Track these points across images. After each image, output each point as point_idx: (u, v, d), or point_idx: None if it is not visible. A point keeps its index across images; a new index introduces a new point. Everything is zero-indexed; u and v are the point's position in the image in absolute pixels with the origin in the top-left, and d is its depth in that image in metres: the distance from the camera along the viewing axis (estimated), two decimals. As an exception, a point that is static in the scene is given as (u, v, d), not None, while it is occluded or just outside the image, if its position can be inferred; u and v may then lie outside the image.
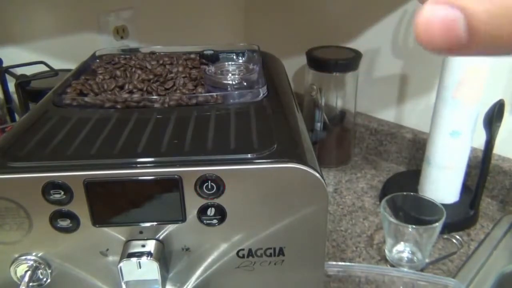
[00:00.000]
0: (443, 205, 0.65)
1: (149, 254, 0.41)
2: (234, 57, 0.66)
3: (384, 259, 0.67)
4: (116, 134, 0.44)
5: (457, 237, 0.70)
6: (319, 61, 0.87)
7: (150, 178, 0.39)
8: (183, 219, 0.41)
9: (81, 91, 0.53)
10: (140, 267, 0.40)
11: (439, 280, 0.61)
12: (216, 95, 0.51)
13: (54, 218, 0.40)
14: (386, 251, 0.67)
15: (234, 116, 0.47)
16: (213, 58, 0.64)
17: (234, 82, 0.54)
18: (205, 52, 0.65)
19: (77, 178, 0.39)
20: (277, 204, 0.41)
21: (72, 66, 0.76)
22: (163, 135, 0.44)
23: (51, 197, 0.39)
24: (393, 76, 0.91)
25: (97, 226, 0.41)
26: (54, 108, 0.50)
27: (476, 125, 0.70)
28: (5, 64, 0.73)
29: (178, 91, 0.53)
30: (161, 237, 0.42)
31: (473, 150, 0.78)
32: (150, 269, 0.41)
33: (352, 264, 0.65)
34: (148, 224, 0.41)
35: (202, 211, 0.41)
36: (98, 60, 0.64)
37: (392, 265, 0.66)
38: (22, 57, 0.76)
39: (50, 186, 0.39)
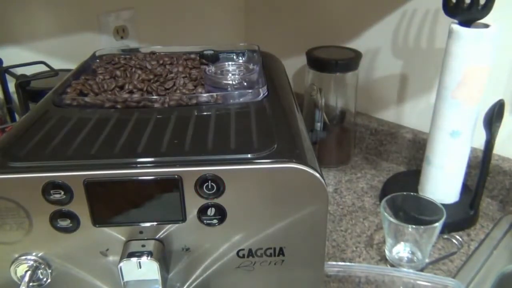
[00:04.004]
0: (443, 205, 0.65)
1: (149, 254, 0.41)
2: (234, 57, 0.66)
3: (384, 259, 0.67)
4: (116, 134, 0.44)
5: (457, 237, 0.70)
6: (319, 61, 0.87)
7: (150, 178, 0.39)
8: (183, 219, 0.41)
9: (81, 91, 0.53)
10: (140, 267, 0.40)
11: (439, 280, 0.61)
12: (216, 95, 0.51)
13: (54, 218, 0.40)
14: (386, 251, 0.67)
15: (234, 116, 0.47)
16: (213, 58, 0.64)
17: (234, 82, 0.54)
18: (205, 52, 0.65)
19: (77, 178, 0.39)
20: (277, 204, 0.41)
21: (72, 66, 0.76)
22: (163, 135, 0.44)
23: (51, 197, 0.39)
24: (393, 76, 0.91)
25: (97, 226, 0.41)
26: (54, 108, 0.50)
27: (476, 125, 0.70)
28: (5, 64, 0.73)
29: (178, 91, 0.53)
30: (161, 237, 0.42)
31: (473, 150, 0.78)
32: (150, 269, 0.41)
33: (352, 264, 0.65)
34: (148, 224, 0.41)
35: (202, 211, 0.41)
36: (98, 60, 0.64)
37: (392, 265, 0.66)
38: (22, 57, 0.76)
39: (50, 186, 0.39)
